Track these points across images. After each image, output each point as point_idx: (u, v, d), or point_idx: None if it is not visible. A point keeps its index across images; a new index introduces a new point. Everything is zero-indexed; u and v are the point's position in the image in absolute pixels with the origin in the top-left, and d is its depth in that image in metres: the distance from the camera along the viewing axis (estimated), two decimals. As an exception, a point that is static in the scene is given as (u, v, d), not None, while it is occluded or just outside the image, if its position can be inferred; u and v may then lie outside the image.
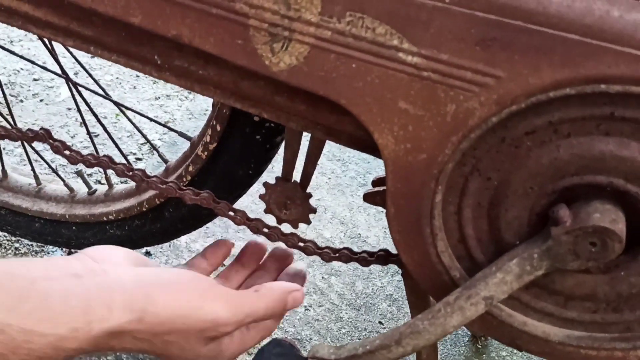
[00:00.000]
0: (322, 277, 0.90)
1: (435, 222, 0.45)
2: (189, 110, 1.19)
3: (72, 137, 1.09)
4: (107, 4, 0.45)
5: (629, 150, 0.39)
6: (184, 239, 0.91)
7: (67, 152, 0.60)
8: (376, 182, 0.60)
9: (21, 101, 1.15)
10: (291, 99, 0.48)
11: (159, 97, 1.23)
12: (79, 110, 0.72)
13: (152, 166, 1.05)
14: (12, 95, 1.16)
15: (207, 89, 0.50)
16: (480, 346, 0.83)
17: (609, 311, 0.46)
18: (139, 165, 1.05)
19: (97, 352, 0.37)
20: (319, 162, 0.56)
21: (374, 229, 0.99)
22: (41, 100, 1.16)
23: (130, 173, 0.58)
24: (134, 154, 1.07)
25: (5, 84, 1.14)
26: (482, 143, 0.41)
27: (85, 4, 0.46)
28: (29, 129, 0.60)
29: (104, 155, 0.60)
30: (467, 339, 0.84)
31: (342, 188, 1.07)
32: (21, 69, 1.23)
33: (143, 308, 0.37)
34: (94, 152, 0.61)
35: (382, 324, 0.85)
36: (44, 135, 0.60)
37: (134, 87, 1.25)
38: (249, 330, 0.45)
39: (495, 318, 0.49)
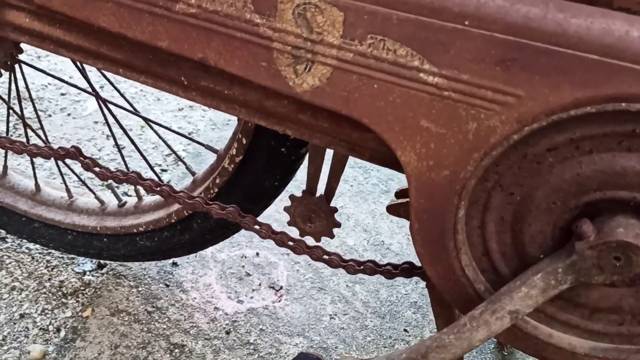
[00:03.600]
0: (347, 286, 0.91)
1: (459, 236, 0.46)
2: (212, 121, 1.21)
3: (99, 150, 1.11)
4: (135, 29, 0.47)
5: (652, 166, 0.39)
6: (210, 249, 0.92)
7: (97, 169, 0.62)
8: (399, 194, 0.60)
9: (49, 115, 1.18)
10: (314, 116, 0.49)
11: (182, 109, 1.25)
12: (107, 125, 0.74)
13: (177, 177, 1.07)
14: (40, 110, 1.19)
15: (233, 107, 0.51)
16: (506, 353, 0.83)
17: (635, 323, 0.47)
18: (165, 176, 1.07)
19: None
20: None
21: (397, 236, 1.00)
22: (69, 115, 1.19)
23: (159, 189, 0.60)
24: (159, 165, 1.09)
25: (34, 99, 1.17)
26: (504, 159, 0.42)
27: (114, 29, 0.47)
28: (60, 147, 0.62)
29: (133, 172, 0.61)
30: (492, 346, 0.84)
31: (365, 195, 1.08)
32: (49, 83, 1.26)
33: None
34: (122, 166, 0.63)
35: (407, 332, 0.85)
36: (75, 153, 0.62)
37: (158, 99, 1.27)
38: None
39: (520, 330, 0.49)
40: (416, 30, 0.39)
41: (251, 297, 0.87)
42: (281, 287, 0.89)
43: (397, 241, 0.99)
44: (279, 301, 0.87)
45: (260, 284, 0.89)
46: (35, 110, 0.77)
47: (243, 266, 0.91)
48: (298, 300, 0.88)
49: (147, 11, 0.45)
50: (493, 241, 0.47)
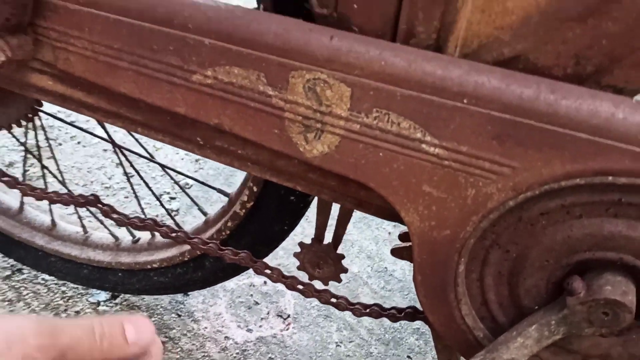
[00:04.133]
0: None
1: (459, 288, 0.49)
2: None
3: (109, 179, 1.14)
4: (154, 96, 0.50)
5: (636, 231, 0.42)
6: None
7: (114, 215, 0.65)
8: (402, 237, 0.64)
9: (60, 144, 1.21)
10: (323, 175, 0.52)
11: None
12: (122, 166, 0.77)
13: (185, 205, 1.10)
14: (51, 139, 1.22)
15: (246, 165, 0.54)
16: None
17: (625, 370, 0.50)
18: (173, 204, 1.10)
19: None
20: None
21: (400, 263, 1.03)
22: (78, 143, 1.22)
23: (174, 235, 0.63)
24: (168, 192, 1.13)
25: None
26: (500, 221, 0.45)
27: (134, 95, 0.51)
28: (80, 195, 0.66)
29: (149, 219, 0.64)
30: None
31: (368, 222, 1.11)
32: (58, 111, 1.30)
33: None
34: (131, 193, 0.66)
35: (410, 358, 0.88)
36: (94, 201, 0.65)
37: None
38: None
39: (518, 374, 0.52)
40: (418, 106, 0.42)
41: (260, 326, 0.91)
42: (288, 316, 0.92)
43: (400, 267, 1.02)
44: (287, 329, 0.91)
45: (268, 313, 0.92)
46: (48, 140, 0.80)
47: (251, 295, 0.94)
48: (305, 329, 0.91)
49: (165, 80, 0.48)
50: (491, 293, 0.50)
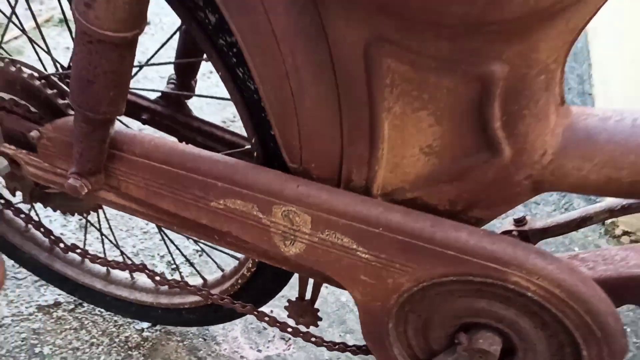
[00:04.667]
0: (339, 335, 1.19)
1: (390, 338, 0.73)
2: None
3: (146, 224, 1.40)
4: (185, 212, 0.74)
5: (493, 306, 0.66)
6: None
7: (157, 278, 0.90)
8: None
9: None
10: (298, 264, 0.76)
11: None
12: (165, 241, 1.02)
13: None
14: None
15: (249, 253, 0.79)
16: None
17: (503, 391, 0.74)
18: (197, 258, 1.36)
19: None
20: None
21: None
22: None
23: (200, 292, 0.88)
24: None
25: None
26: (411, 298, 0.69)
27: (172, 210, 0.75)
28: (132, 263, 0.91)
29: (182, 281, 0.90)
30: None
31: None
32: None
33: None
34: (178, 278, 0.91)
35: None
36: (142, 268, 0.90)
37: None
38: None
39: (436, 393, 0.76)
40: (353, 230, 0.66)
41: (267, 347, 1.16)
42: (290, 338, 1.17)
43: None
44: (288, 349, 1.16)
45: (274, 336, 1.18)
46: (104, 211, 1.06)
47: (261, 322, 1.20)
48: (303, 349, 1.16)
49: (193, 204, 0.73)
50: (412, 340, 0.74)
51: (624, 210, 0.76)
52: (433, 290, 0.67)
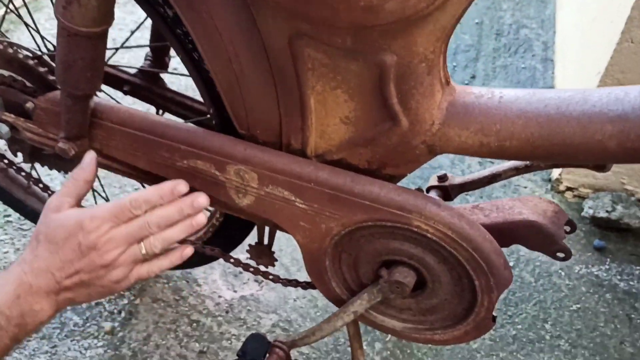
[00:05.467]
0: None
1: (328, 273, 0.89)
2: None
3: (137, 180, 1.56)
4: (157, 170, 0.89)
5: (403, 245, 0.81)
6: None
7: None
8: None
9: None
10: (252, 214, 0.92)
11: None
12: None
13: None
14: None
15: (213, 205, 0.94)
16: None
17: (419, 315, 0.90)
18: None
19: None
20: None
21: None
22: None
23: (176, 238, 1.04)
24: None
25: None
26: (342, 239, 0.84)
27: (146, 168, 0.90)
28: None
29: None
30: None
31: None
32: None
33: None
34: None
35: (346, 308, 1.29)
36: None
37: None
38: (158, 259, 0.74)
39: (368, 319, 0.93)
40: (291, 185, 0.81)
41: (242, 288, 1.33)
42: (262, 281, 1.34)
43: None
44: (260, 290, 1.32)
45: (248, 279, 1.34)
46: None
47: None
48: (273, 289, 1.33)
49: (162, 164, 0.88)
50: (347, 275, 0.90)
51: (527, 169, 0.91)
52: (357, 233, 0.82)
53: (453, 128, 0.70)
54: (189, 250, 0.77)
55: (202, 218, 0.74)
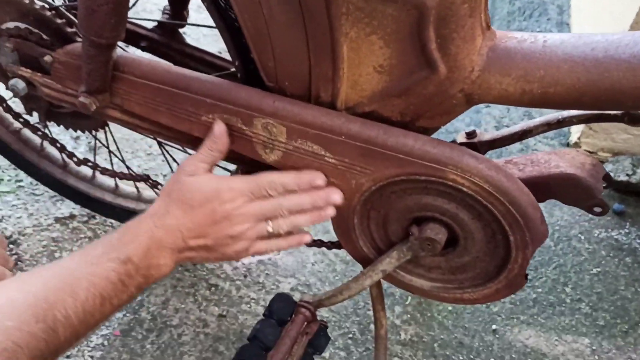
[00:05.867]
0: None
1: (356, 231, 0.87)
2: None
3: (149, 146, 1.53)
4: (180, 125, 0.87)
5: (436, 201, 0.79)
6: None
7: (159, 187, 1.04)
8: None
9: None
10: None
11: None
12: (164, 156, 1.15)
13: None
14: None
15: (237, 162, 0.92)
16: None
17: (449, 274, 0.88)
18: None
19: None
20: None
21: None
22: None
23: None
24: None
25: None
26: (372, 196, 0.82)
27: (169, 124, 0.88)
28: (136, 174, 1.04)
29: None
30: (420, 280, 1.26)
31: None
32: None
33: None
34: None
35: (365, 272, 1.28)
36: (146, 177, 1.04)
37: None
38: (278, 239, 0.78)
39: (395, 278, 0.91)
40: (321, 138, 0.78)
41: (260, 252, 1.31)
42: (280, 245, 1.32)
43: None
44: (278, 254, 1.31)
45: (265, 243, 1.33)
46: (111, 133, 1.19)
47: (254, 230, 1.35)
48: (291, 254, 1.31)
49: (186, 118, 0.85)
50: (375, 233, 0.88)
51: (559, 124, 0.88)
52: (388, 189, 0.80)
53: (494, 75, 0.68)
54: (307, 238, 0.82)
55: (331, 211, 0.79)
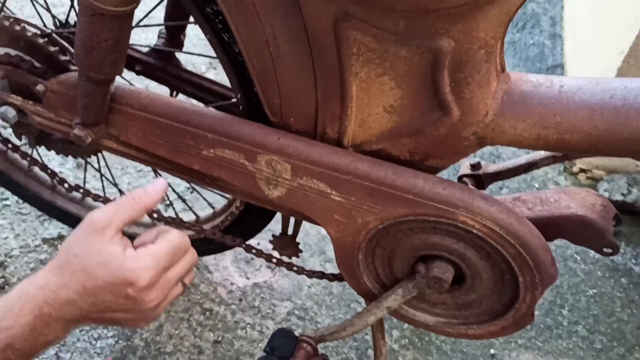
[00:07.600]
0: (320, 264, 1.31)
1: (360, 267, 0.85)
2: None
3: (140, 162, 1.49)
4: (179, 159, 0.84)
5: (444, 240, 0.77)
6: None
7: (154, 215, 1.01)
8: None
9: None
10: (280, 205, 0.87)
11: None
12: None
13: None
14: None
15: (237, 194, 0.89)
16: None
17: (454, 310, 0.86)
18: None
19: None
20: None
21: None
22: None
23: (193, 228, 0.99)
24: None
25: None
26: (378, 234, 0.80)
27: (167, 157, 0.85)
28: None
29: (177, 218, 1.00)
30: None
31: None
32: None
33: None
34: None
35: (360, 302, 1.26)
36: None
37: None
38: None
39: (400, 313, 0.89)
40: (327, 177, 0.76)
41: (255, 275, 1.28)
42: (275, 267, 1.30)
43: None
44: (274, 277, 1.28)
45: (261, 265, 1.30)
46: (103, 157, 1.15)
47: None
48: (287, 276, 1.29)
49: (186, 152, 0.83)
50: (379, 269, 0.86)
51: (565, 157, 0.87)
52: (396, 227, 0.78)
53: (508, 119, 0.66)
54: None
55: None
